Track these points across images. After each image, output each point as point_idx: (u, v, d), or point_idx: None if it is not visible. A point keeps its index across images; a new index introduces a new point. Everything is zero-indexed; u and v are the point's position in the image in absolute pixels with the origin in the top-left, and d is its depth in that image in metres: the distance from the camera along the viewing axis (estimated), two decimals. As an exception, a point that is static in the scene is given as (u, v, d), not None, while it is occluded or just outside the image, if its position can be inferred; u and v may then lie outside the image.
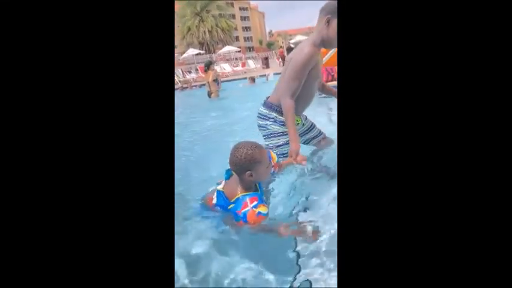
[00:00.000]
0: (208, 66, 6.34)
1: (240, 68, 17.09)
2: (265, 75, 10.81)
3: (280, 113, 1.57)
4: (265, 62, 18.31)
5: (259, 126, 1.71)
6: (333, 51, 3.99)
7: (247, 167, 1.21)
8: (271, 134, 1.65)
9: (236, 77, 12.41)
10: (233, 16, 51.84)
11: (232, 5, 55.35)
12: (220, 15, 38.04)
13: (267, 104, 1.67)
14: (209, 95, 6.13)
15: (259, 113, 1.69)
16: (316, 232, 1.21)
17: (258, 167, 1.22)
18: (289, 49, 17.20)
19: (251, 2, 64.16)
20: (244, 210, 1.21)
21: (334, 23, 1.41)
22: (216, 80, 6.16)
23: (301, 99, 1.57)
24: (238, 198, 1.26)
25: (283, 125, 1.59)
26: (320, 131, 1.86)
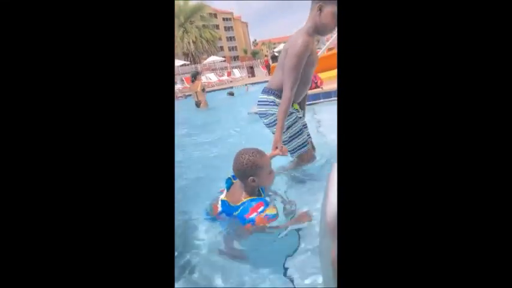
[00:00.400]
0: (195, 76, 6.35)
1: (225, 77, 17.16)
2: (246, 85, 10.88)
3: (279, 96, 1.61)
4: (251, 71, 18.48)
5: (260, 114, 1.74)
6: (321, 53, 4.03)
7: (249, 172, 1.25)
8: (273, 120, 1.66)
9: (222, 87, 12.43)
10: (217, 26, 52.27)
11: (215, 15, 55.87)
12: (204, 25, 38.25)
13: (265, 90, 1.72)
14: (197, 105, 6.11)
15: (259, 101, 1.73)
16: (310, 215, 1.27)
17: (260, 172, 1.26)
18: (274, 57, 17.43)
19: (234, 13, 64.97)
20: (251, 216, 1.22)
21: (327, 9, 1.47)
22: (203, 90, 6.17)
23: (298, 85, 1.60)
24: (243, 203, 1.27)
25: None
26: (309, 135, 1.87)
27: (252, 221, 1.21)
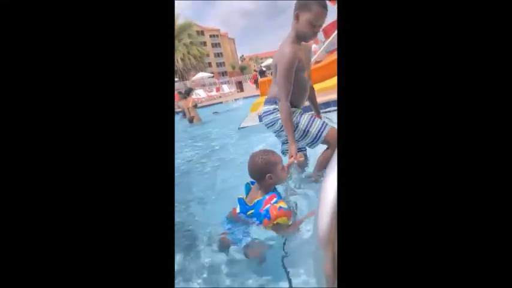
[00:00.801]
0: (188, 93, 6.50)
1: (214, 92, 17.24)
2: (237, 99, 10.94)
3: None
4: (239, 86, 18.63)
5: (267, 124, 1.79)
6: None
7: (266, 170, 1.33)
8: (281, 126, 1.70)
9: (212, 102, 12.45)
10: (204, 43, 52.93)
11: (202, 33, 56.69)
12: (191, 43, 38.70)
13: (267, 101, 1.78)
14: (190, 120, 6.14)
15: (264, 112, 1.78)
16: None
17: (276, 168, 1.34)
18: (261, 72, 17.65)
19: (221, 30, 66.07)
20: (265, 207, 1.27)
21: (303, 17, 1.52)
22: (195, 106, 6.31)
23: (294, 92, 1.64)
24: (258, 201, 1.32)
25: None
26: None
27: (267, 213, 1.24)
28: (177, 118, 6.79)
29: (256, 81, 16.09)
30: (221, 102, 11.76)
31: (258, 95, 7.62)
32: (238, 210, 1.39)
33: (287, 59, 1.55)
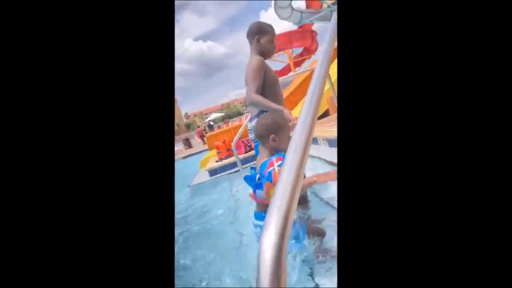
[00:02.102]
0: None
1: (161, 153, 16.70)
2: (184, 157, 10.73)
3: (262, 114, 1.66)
4: (187, 143, 18.45)
5: (250, 129, 1.81)
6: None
7: (272, 130, 1.30)
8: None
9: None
10: (146, 106, 52.76)
11: (143, 95, 56.79)
12: (132, 106, 38.32)
13: (251, 118, 1.81)
14: None
15: (249, 129, 1.81)
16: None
17: (282, 132, 1.32)
18: (210, 126, 17.81)
19: (162, 91, 66.98)
20: (269, 169, 1.21)
21: (263, 38, 1.76)
22: None
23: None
24: (263, 162, 1.27)
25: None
26: None
27: (269, 175, 1.19)
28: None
29: (202, 136, 16.12)
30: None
31: (207, 150, 7.54)
32: (251, 191, 1.34)
33: (255, 63, 1.68)
